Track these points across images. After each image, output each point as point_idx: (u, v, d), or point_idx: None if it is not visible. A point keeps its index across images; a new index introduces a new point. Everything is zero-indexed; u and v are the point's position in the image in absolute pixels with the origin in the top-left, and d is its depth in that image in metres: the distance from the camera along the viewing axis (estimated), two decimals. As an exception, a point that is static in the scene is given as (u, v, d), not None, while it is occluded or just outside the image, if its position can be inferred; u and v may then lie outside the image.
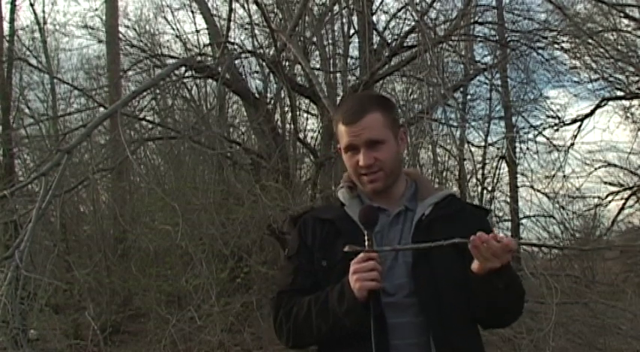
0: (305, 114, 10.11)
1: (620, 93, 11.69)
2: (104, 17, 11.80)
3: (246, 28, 9.43)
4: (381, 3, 9.54)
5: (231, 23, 7.89)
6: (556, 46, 9.45)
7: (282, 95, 8.80)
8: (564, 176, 10.67)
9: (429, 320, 1.88)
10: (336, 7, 9.06)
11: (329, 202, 2.18)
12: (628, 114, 12.56)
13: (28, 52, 11.04)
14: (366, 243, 1.84)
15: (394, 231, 1.98)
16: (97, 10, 13.11)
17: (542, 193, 10.89)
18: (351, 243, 1.88)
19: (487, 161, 11.77)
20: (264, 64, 8.19)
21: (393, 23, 9.35)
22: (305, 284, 2.02)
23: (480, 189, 11.90)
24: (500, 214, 11.57)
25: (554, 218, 10.97)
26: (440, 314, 1.88)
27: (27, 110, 11.30)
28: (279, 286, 2.09)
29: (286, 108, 8.88)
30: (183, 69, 7.64)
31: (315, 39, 8.99)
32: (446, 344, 1.87)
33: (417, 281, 1.90)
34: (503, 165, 11.64)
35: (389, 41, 9.01)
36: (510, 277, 1.88)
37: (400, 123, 2.05)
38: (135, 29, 11.13)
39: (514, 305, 2.00)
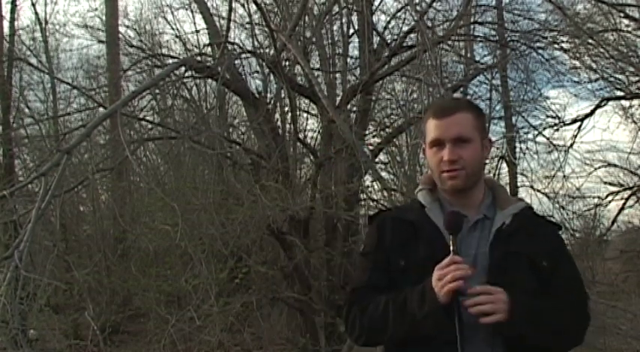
0: (305, 114, 10.11)
1: (620, 93, 11.68)
2: (104, 17, 11.81)
3: (246, 28, 9.44)
4: (381, 3, 9.56)
5: (231, 23, 7.89)
6: (556, 46, 9.45)
7: (282, 95, 8.79)
8: (564, 176, 10.67)
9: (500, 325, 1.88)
10: (336, 7, 9.06)
11: (407, 202, 2.20)
12: (628, 114, 12.55)
13: (28, 52, 11.06)
14: (451, 248, 1.87)
15: (472, 237, 1.98)
16: (96, 10, 13.11)
17: (542, 193, 10.89)
18: (431, 246, 1.95)
19: (487, 161, 11.75)
20: (264, 64, 8.18)
21: (392, 23, 9.36)
22: (380, 283, 2.04)
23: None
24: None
25: (554, 218, 10.95)
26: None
27: (27, 110, 11.31)
28: (354, 282, 2.13)
29: (286, 108, 8.87)
30: (183, 69, 7.64)
31: (314, 39, 8.99)
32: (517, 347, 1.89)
33: (492, 285, 1.91)
34: (503, 165, 11.63)
35: (388, 41, 9.01)
36: (522, 326, 1.86)
37: (487, 133, 2.11)
38: (135, 29, 11.14)
39: (555, 340, 1.96)
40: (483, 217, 2.01)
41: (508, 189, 2.21)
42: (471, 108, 2.05)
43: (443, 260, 1.89)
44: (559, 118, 10.94)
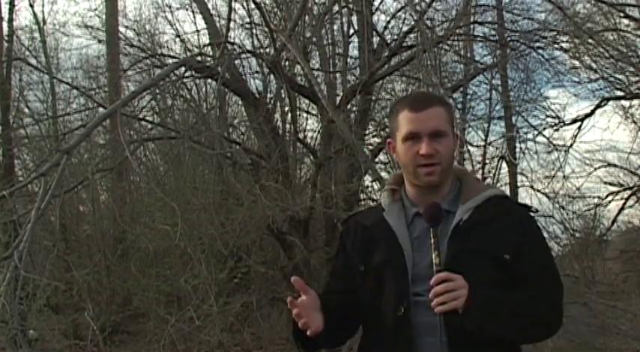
0: (305, 114, 10.10)
1: (620, 93, 11.67)
2: (104, 17, 11.80)
3: (245, 28, 9.43)
4: (381, 3, 9.53)
5: (231, 23, 7.89)
6: (556, 45, 9.44)
7: (282, 95, 8.79)
8: (564, 176, 10.66)
9: (447, 320, 1.86)
10: (336, 7, 9.05)
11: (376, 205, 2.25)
12: (628, 114, 12.54)
13: (27, 52, 11.05)
14: (432, 241, 1.86)
15: (429, 236, 1.94)
16: (96, 9, 13.12)
17: (542, 193, 10.88)
18: (386, 250, 1.95)
19: (487, 161, 11.76)
20: (263, 64, 8.19)
21: (392, 23, 9.35)
22: (338, 288, 2.11)
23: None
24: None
25: (554, 218, 10.96)
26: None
27: (26, 110, 11.30)
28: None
29: (286, 108, 8.87)
30: (182, 69, 7.64)
31: (314, 39, 8.99)
32: (460, 346, 1.86)
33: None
34: (503, 165, 11.62)
35: (388, 41, 9.01)
36: (483, 316, 1.82)
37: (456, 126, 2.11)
38: (134, 29, 11.11)
39: (518, 333, 1.93)
40: (445, 213, 1.96)
41: (495, 183, 2.19)
42: (443, 102, 2.05)
43: (398, 262, 1.93)
44: (559, 118, 10.94)
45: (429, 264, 1.86)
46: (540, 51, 9.28)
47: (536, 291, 1.92)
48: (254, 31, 9.17)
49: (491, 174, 11.80)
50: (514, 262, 1.90)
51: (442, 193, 2.00)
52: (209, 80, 9.00)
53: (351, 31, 9.49)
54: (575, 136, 11.49)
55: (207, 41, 9.23)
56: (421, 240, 1.94)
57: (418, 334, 1.88)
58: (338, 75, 9.48)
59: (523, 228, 1.97)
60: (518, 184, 11.52)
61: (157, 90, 8.27)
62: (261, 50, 8.78)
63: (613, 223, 13.13)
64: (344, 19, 9.38)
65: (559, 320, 1.98)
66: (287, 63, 8.41)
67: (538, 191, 10.88)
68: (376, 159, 9.61)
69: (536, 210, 2.11)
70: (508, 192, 11.66)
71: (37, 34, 11.07)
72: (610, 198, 12.94)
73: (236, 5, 8.62)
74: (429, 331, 1.88)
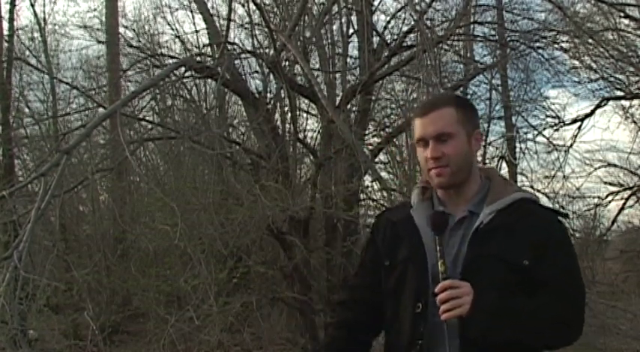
0: (305, 114, 10.10)
1: (620, 93, 11.67)
2: (103, 17, 11.80)
3: (245, 28, 9.43)
4: (380, 3, 9.56)
5: (231, 23, 7.89)
6: (556, 45, 9.44)
7: (282, 95, 8.79)
8: (564, 176, 10.67)
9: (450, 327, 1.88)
10: (335, 7, 9.05)
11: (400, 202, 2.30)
12: (628, 114, 12.55)
13: (27, 52, 11.05)
14: (437, 249, 1.88)
15: (455, 236, 1.96)
16: (96, 10, 13.11)
17: (542, 193, 10.87)
18: (410, 247, 1.97)
19: (487, 161, 11.75)
20: (263, 64, 8.19)
21: (392, 23, 9.35)
22: (365, 281, 2.14)
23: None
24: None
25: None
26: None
27: (27, 110, 11.30)
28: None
29: (286, 108, 8.87)
30: (182, 69, 7.64)
31: (314, 39, 8.98)
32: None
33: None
34: (503, 165, 11.62)
35: (388, 41, 9.01)
36: (487, 322, 1.81)
37: (478, 125, 2.04)
38: (134, 29, 11.12)
39: (537, 337, 1.89)
40: (469, 213, 1.97)
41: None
42: (455, 102, 2.01)
43: (419, 260, 1.94)
44: (559, 118, 10.94)
45: (453, 261, 1.90)
46: (540, 51, 9.29)
47: (554, 295, 1.89)
48: (254, 31, 9.18)
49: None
50: (534, 267, 1.87)
51: (468, 194, 2.00)
52: (209, 80, 9.01)
53: (351, 31, 9.49)
54: (575, 136, 11.51)
55: (207, 41, 9.24)
56: (447, 237, 1.94)
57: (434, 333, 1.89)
58: (338, 75, 9.48)
59: (547, 232, 1.93)
60: (518, 184, 11.51)
61: (157, 90, 8.26)
62: (261, 50, 8.78)
63: (613, 223, 13.16)
64: (344, 19, 9.39)
65: (580, 321, 1.95)
66: (287, 63, 8.41)
67: (538, 191, 10.86)
68: (376, 159, 9.62)
69: (567, 215, 2.10)
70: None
71: (37, 34, 11.08)
72: (610, 198, 12.96)
73: (236, 5, 8.63)
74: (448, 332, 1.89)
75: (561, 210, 2.13)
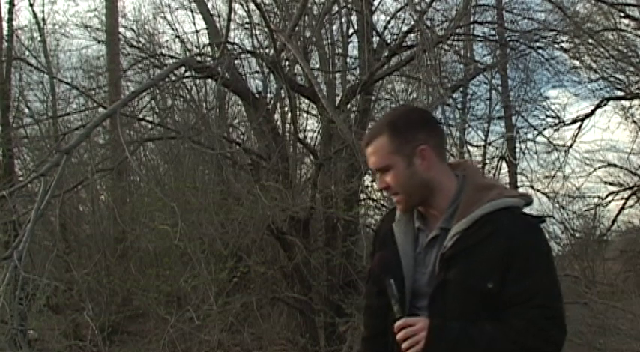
0: (305, 114, 10.10)
1: (620, 93, 11.68)
2: (103, 17, 11.81)
3: (245, 28, 9.43)
4: (380, 3, 9.56)
5: (231, 23, 7.89)
6: (556, 45, 9.43)
7: (282, 95, 8.79)
8: (564, 176, 10.67)
9: None
10: (336, 7, 9.05)
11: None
12: (628, 114, 12.56)
13: (27, 52, 11.05)
14: (390, 290, 1.88)
15: (431, 254, 1.92)
16: (96, 10, 13.11)
17: (542, 193, 10.88)
18: (382, 259, 1.97)
19: (487, 161, 11.76)
20: (263, 64, 8.18)
21: (392, 23, 9.35)
22: (371, 296, 2.10)
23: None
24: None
25: (554, 218, 10.96)
26: None
27: (26, 110, 11.30)
28: None
29: (286, 108, 8.87)
30: (182, 69, 7.64)
31: (314, 39, 8.98)
32: None
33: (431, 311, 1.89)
34: (503, 165, 11.62)
35: (388, 41, 9.01)
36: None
37: (421, 141, 1.90)
38: (134, 29, 11.12)
39: None
40: (441, 231, 1.90)
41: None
42: (388, 129, 1.92)
43: (397, 277, 1.90)
44: (559, 118, 10.94)
45: (429, 279, 1.88)
46: (540, 51, 9.28)
47: (520, 319, 1.78)
48: (254, 31, 9.18)
49: (492, 174, 11.80)
50: (499, 289, 1.79)
51: (440, 207, 1.93)
52: (209, 80, 9.01)
53: (351, 31, 9.49)
54: (575, 136, 11.52)
55: (207, 41, 9.24)
56: (423, 254, 1.92)
57: None
58: (338, 75, 9.48)
59: (515, 249, 1.80)
60: (518, 184, 11.51)
61: (157, 91, 8.26)
62: (261, 50, 8.78)
63: (613, 223, 13.16)
64: (344, 19, 9.39)
65: (554, 344, 1.82)
66: (287, 63, 8.41)
67: (538, 191, 10.89)
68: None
69: (543, 220, 1.98)
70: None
71: (37, 34, 11.07)
72: (610, 198, 12.97)
73: (236, 5, 8.63)
74: None
75: (536, 215, 1.99)
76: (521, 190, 11.55)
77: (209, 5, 9.36)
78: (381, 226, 2.15)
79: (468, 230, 1.84)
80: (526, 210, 1.97)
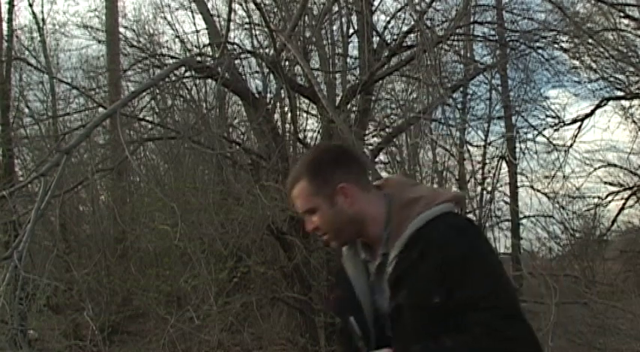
0: (305, 114, 10.10)
1: (620, 93, 11.68)
2: (103, 17, 11.81)
3: (245, 29, 9.44)
4: (380, 3, 9.56)
5: (231, 23, 7.89)
6: (556, 45, 9.43)
7: (282, 95, 8.79)
8: (564, 176, 10.66)
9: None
10: (336, 7, 9.05)
11: None
12: (628, 114, 12.56)
13: (27, 52, 11.05)
14: (349, 329, 1.92)
15: (381, 280, 1.92)
16: (96, 10, 13.12)
17: (542, 193, 10.88)
18: (337, 301, 2.01)
19: (487, 161, 11.76)
20: (263, 64, 8.19)
21: (392, 23, 9.35)
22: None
23: (479, 189, 11.90)
24: (500, 214, 11.57)
25: (554, 218, 10.97)
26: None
27: (26, 110, 11.30)
28: None
29: (286, 108, 8.87)
30: (182, 69, 7.64)
31: (314, 39, 8.99)
32: None
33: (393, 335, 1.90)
34: (503, 165, 11.62)
35: (388, 41, 9.01)
36: None
37: (341, 179, 1.90)
38: (134, 29, 11.13)
39: None
40: (383, 257, 1.90)
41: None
42: (306, 172, 1.94)
43: (355, 313, 1.92)
44: (559, 118, 10.93)
45: (389, 305, 1.88)
46: (540, 51, 9.28)
47: (476, 328, 1.75)
48: (254, 31, 9.18)
49: (491, 174, 11.82)
50: (447, 300, 1.77)
51: (377, 236, 1.92)
52: (209, 80, 9.01)
53: (351, 31, 9.49)
54: (575, 136, 11.51)
55: (207, 41, 9.24)
56: (377, 283, 1.92)
57: None
58: (338, 75, 9.48)
59: (448, 257, 1.78)
60: (518, 184, 11.53)
61: (157, 90, 8.27)
62: (261, 50, 8.78)
63: (613, 223, 13.16)
64: (344, 19, 9.39)
65: (512, 345, 1.75)
66: (287, 63, 8.41)
67: (538, 191, 10.89)
68: (376, 159, 9.62)
69: (471, 221, 1.97)
70: (508, 192, 11.69)
71: (36, 34, 11.07)
72: (610, 198, 12.97)
73: (236, 5, 8.64)
74: None
75: (467, 218, 1.99)
76: (521, 190, 11.58)
77: (209, 5, 9.38)
78: (337, 265, 2.17)
79: (404, 250, 1.84)
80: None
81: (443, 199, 1.90)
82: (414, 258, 1.81)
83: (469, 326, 1.75)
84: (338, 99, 8.69)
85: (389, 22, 9.36)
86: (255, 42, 9.24)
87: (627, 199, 12.92)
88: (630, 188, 13.00)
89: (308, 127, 10.25)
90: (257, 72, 9.06)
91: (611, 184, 13.20)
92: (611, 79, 11.08)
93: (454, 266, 1.77)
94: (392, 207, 1.91)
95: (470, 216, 11.76)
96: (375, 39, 8.98)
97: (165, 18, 10.88)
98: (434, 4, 8.44)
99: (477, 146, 11.14)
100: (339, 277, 2.02)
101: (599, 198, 12.80)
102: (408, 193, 1.93)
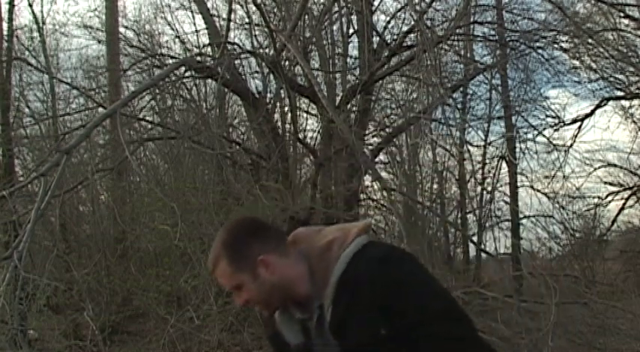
0: (305, 114, 10.11)
1: (620, 93, 11.68)
2: (104, 17, 11.81)
3: (245, 29, 9.44)
4: (380, 3, 9.55)
5: (231, 23, 7.89)
6: (556, 45, 9.44)
7: (282, 95, 8.79)
8: (564, 176, 10.68)
9: None
10: (336, 7, 9.06)
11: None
12: (628, 114, 12.57)
13: (27, 52, 11.04)
14: None
15: (324, 332, 1.92)
16: (96, 10, 13.11)
17: (542, 193, 10.89)
18: None
19: (487, 161, 11.77)
20: (263, 64, 8.19)
21: (392, 23, 9.36)
22: None
23: (479, 189, 11.91)
24: (500, 214, 11.58)
25: (554, 218, 10.98)
26: None
27: (26, 110, 11.30)
28: None
29: (286, 108, 8.87)
30: (182, 69, 7.64)
31: (314, 39, 8.99)
32: None
33: None
34: (503, 165, 11.63)
35: (388, 41, 9.01)
36: None
37: (260, 251, 1.91)
38: (134, 29, 11.14)
39: None
40: (318, 309, 1.90)
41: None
42: (224, 253, 1.92)
43: None
44: (559, 118, 10.94)
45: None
46: (540, 51, 9.29)
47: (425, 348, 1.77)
48: (254, 31, 9.18)
49: (491, 174, 11.83)
50: (394, 329, 1.78)
51: (304, 294, 1.93)
52: (209, 80, 9.01)
53: (351, 31, 9.50)
54: (575, 136, 11.52)
55: (207, 41, 9.25)
56: (320, 337, 1.92)
57: None
58: (338, 75, 9.49)
59: (379, 290, 1.79)
60: (518, 184, 11.53)
61: (157, 90, 8.27)
62: (261, 50, 8.78)
63: (613, 223, 13.16)
64: (344, 19, 9.40)
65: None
66: (287, 63, 8.41)
67: (538, 191, 10.90)
68: (376, 159, 9.63)
69: (388, 246, 2.00)
70: (508, 192, 11.69)
71: (36, 34, 11.07)
72: (610, 198, 12.97)
73: (236, 6, 8.64)
74: None
75: (384, 245, 2.04)
76: (521, 190, 11.58)
77: (209, 5, 9.39)
78: (268, 334, 2.14)
79: (336, 296, 1.85)
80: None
81: (353, 235, 1.92)
82: (349, 300, 1.83)
83: (423, 344, 1.77)
84: (338, 99, 8.70)
85: (389, 22, 9.38)
86: (255, 42, 9.26)
87: (627, 199, 12.93)
88: (630, 188, 13.01)
89: (308, 127, 10.27)
90: (257, 72, 9.07)
91: (611, 184, 13.21)
92: (611, 79, 11.09)
93: (389, 296, 1.79)
94: (311, 261, 1.92)
95: (470, 215, 11.76)
96: (375, 39, 8.98)
97: (165, 18, 10.90)
98: (434, 4, 8.45)
99: (477, 146, 11.16)
100: (276, 342, 2.03)
101: (599, 198, 12.82)
102: (318, 241, 1.95)
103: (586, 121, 11.73)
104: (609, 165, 13.13)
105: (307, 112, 10.00)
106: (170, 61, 8.82)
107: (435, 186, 11.58)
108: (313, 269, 1.91)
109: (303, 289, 1.92)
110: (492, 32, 9.56)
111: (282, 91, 8.59)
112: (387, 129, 9.93)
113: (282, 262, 1.93)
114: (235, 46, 8.42)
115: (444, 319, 1.79)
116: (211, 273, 1.99)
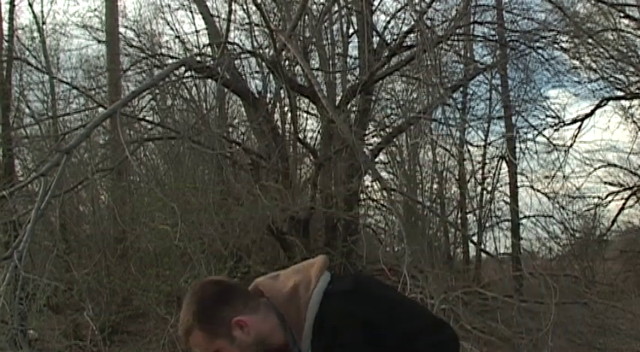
0: (305, 114, 10.11)
1: (620, 93, 11.67)
2: (103, 17, 11.81)
3: (245, 29, 9.44)
4: (380, 3, 9.55)
5: (231, 23, 7.89)
6: (556, 45, 9.44)
7: (282, 95, 8.80)
8: (564, 176, 10.67)
9: None
10: (335, 7, 9.06)
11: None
12: (628, 114, 12.55)
13: (27, 52, 11.04)
14: None
15: None
16: (96, 10, 13.11)
17: (542, 193, 10.88)
18: None
19: (487, 161, 11.76)
20: (263, 64, 8.19)
21: (392, 23, 9.36)
22: None
23: (479, 189, 11.90)
24: (500, 214, 11.58)
25: (554, 218, 10.97)
26: None
27: (27, 110, 11.30)
28: None
29: (286, 108, 8.88)
30: (182, 69, 7.65)
31: (314, 39, 8.99)
32: None
33: None
34: (503, 165, 11.62)
35: (388, 41, 9.01)
36: None
37: (233, 314, 1.91)
38: (134, 29, 11.13)
39: None
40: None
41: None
42: (197, 323, 1.92)
43: None
44: (559, 118, 10.93)
45: None
46: (540, 51, 9.30)
47: None
48: (254, 31, 9.18)
49: (491, 174, 11.82)
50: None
51: (281, 344, 1.94)
52: (209, 80, 9.01)
53: (351, 31, 9.50)
54: (575, 136, 11.51)
55: (207, 41, 9.24)
56: None
57: None
58: (338, 75, 9.49)
59: (357, 322, 1.84)
60: (518, 184, 11.52)
61: (157, 90, 8.28)
62: (261, 50, 8.79)
63: (613, 223, 13.15)
64: (344, 19, 9.40)
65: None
66: (287, 63, 8.41)
67: (538, 191, 10.89)
68: (376, 159, 9.63)
69: (352, 277, 2.04)
70: (508, 192, 11.69)
71: (37, 34, 11.07)
72: (610, 198, 12.96)
73: (236, 6, 8.64)
74: None
75: (350, 278, 2.07)
76: (521, 190, 11.57)
77: (209, 5, 9.38)
78: None
79: (314, 338, 1.88)
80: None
81: (316, 275, 1.93)
82: (331, 341, 1.85)
83: None
84: (338, 99, 8.70)
85: (389, 22, 9.38)
86: (255, 42, 9.26)
87: (627, 199, 12.92)
88: (630, 188, 13.00)
89: (308, 127, 10.27)
90: (257, 72, 9.08)
91: (611, 184, 13.20)
92: (611, 79, 11.08)
93: (369, 326, 1.83)
94: (279, 310, 1.93)
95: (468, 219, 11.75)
96: (375, 39, 8.99)
97: (165, 18, 10.90)
98: (434, 4, 8.46)
99: (477, 146, 11.15)
100: None
101: (599, 198, 12.80)
102: (281, 288, 1.95)
103: (586, 121, 11.73)
104: (609, 165, 13.12)
105: (307, 112, 10.01)
106: (170, 61, 8.83)
107: (435, 186, 11.57)
108: (285, 318, 1.92)
109: (279, 339, 1.93)
110: (492, 32, 9.57)
111: (282, 91, 8.59)
112: (387, 129, 9.93)
113: (255, 319, 1.92)
114: (235, 46, 8.43)
115: (427, 334, 1.85)
116: (185, 344, 1.95)
